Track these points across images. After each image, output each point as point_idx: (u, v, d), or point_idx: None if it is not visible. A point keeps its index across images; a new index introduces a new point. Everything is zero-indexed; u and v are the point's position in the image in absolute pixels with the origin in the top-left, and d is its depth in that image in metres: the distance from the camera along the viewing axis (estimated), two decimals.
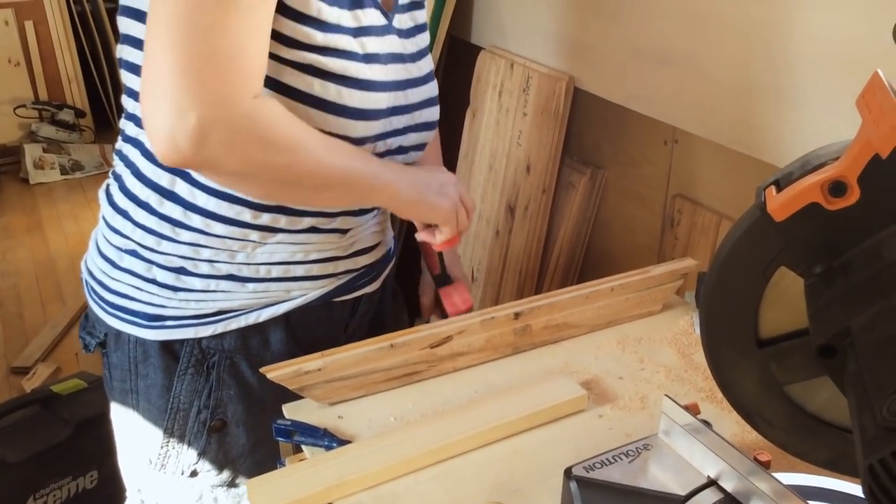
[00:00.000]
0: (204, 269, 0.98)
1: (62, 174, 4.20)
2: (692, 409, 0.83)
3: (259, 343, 1.04)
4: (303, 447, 0.95)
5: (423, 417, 0.97)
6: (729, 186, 1.36)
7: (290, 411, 0.99)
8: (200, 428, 1.04)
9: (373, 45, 0.94)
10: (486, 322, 1.05)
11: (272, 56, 0.86)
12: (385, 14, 0.97)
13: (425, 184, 1.04)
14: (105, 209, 1.03)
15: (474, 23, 1.15)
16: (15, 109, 4.27)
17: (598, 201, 1.69)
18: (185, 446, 1.04)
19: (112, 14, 4.46)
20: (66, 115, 4.39)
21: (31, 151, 4.21)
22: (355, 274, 1.10)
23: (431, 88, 1.09)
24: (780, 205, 0.57)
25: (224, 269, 0.98)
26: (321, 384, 0.97)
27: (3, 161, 4.21)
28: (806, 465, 0.73)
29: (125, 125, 0.99)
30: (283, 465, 1.01)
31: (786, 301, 0.64)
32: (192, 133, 0.75)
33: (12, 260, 3.42)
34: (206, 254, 0.97)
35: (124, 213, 0.99)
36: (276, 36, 0.85)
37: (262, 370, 0.94)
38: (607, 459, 0.82)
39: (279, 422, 0.95)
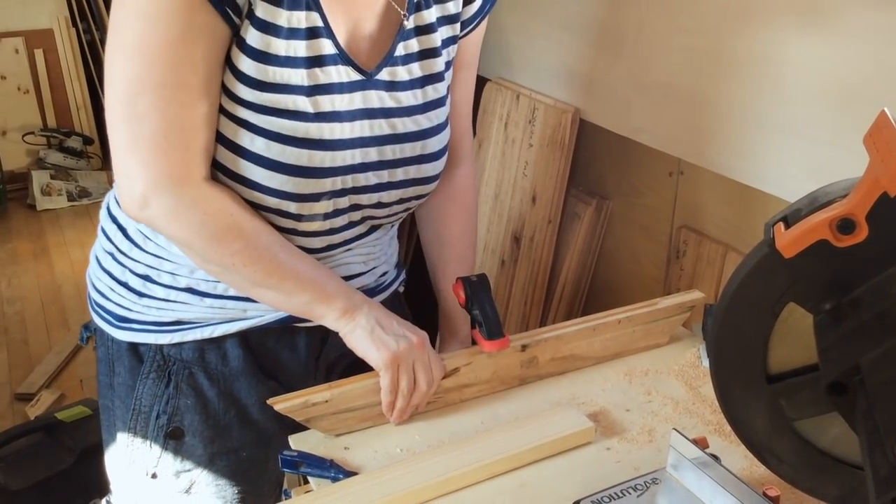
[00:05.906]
0: (165, 279, 1.03)
1: (69, 201, 4.22)
2: (701, 443, 0.83)
3: (217, 357, 1.06)
4: (309, 478, 0.95)
5: (430, 449, 0.97)
6: (734, 218, 1.37)
7: (297, 442, 0.99)
8: (159, 432, 1.06)
9: (332, 103, 0.93)
10: (493, 354, 1.05)
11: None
12: (360, 70, 0.95)
13: (381, 324, 0.98)
14: (103, 213, 1.10)
15: (481, 54, 1.18)
16: (23, 136, 4.30)
17: (603, 232, 1.70)
18: (147, 448, 1.07)
19: None
20: (74, 143, 4.42)
21: (39, 178, 4.24)
22: None
23: (430, 143, 1.03)
24: (789, 241, 0.58)
25: (183, 282, 1.02)
26: (328, 416, 0.97)
27: (11, 187, 4.23)
28: (815, 500, 0.73)
29: None
30: (289, 497, 1.01)
31: (795, 337, 0.64)
32: (137, 197, 0.89)
33: (18, 286, 3.43)
34: (167, 266, 1.02)
35: (113, 217, 1.07)
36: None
37: (268, 401, 0.94)
38: (616, 494, 0.82)
39: (285, 452, 0.95)
